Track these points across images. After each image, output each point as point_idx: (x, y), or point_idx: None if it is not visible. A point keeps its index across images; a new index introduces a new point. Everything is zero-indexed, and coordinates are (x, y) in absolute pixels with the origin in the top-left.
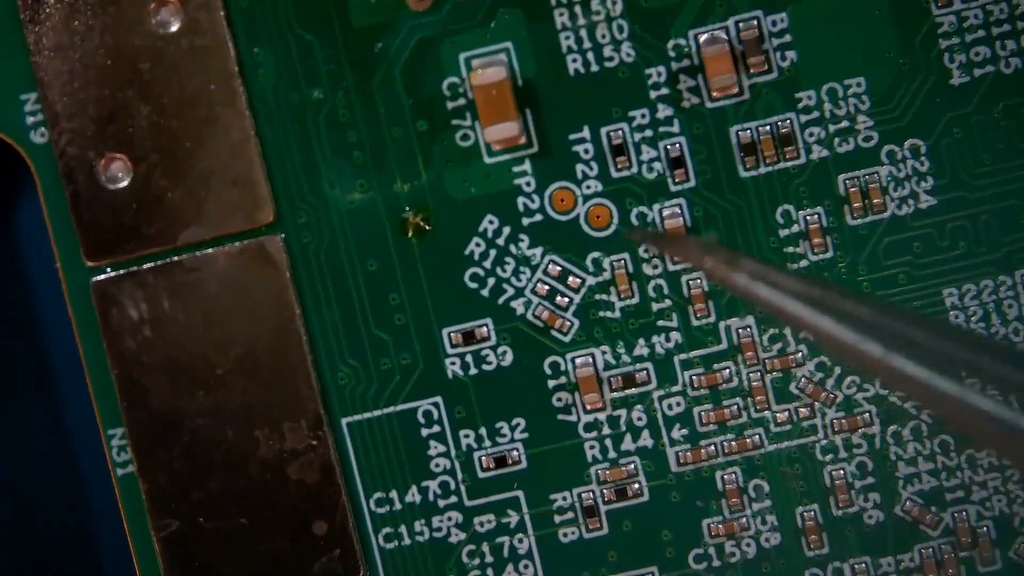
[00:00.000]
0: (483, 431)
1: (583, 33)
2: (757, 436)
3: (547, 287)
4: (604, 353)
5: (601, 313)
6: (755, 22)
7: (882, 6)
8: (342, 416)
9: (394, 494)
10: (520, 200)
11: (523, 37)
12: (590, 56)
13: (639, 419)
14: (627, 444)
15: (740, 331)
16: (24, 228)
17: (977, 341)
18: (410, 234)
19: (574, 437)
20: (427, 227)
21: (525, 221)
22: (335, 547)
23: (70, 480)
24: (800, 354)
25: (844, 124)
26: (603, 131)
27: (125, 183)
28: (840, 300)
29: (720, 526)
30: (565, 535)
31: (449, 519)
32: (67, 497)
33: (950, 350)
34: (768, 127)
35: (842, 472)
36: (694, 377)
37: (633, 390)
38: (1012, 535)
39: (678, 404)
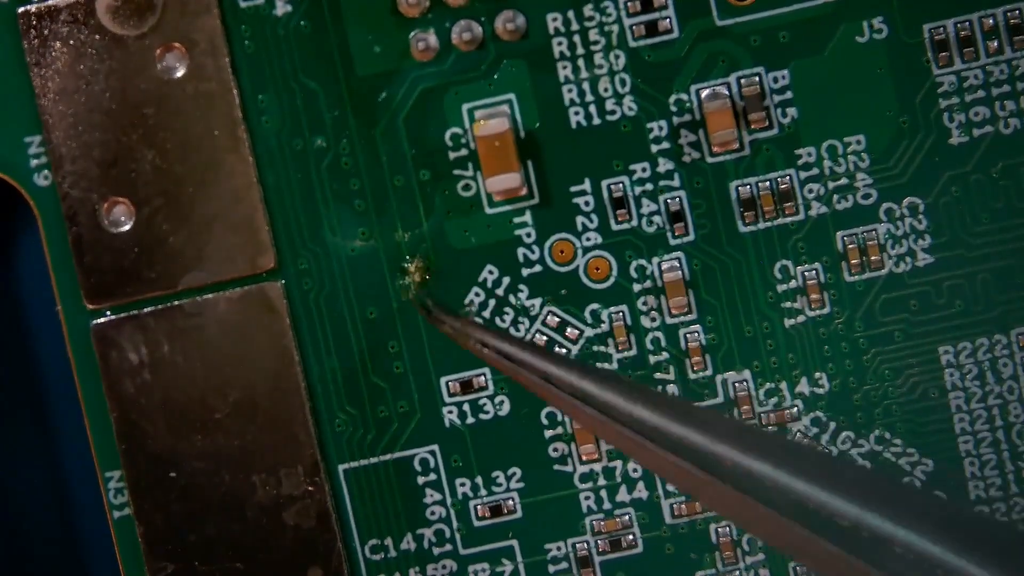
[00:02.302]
0: (479, 480)
1: (586, 86)
2: None
3: (545, 338)
4: None
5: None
6: (757, 78)
7: (883, 65)
8: (339, 463)
9: (389, 541)
10: (520, 251)
11: (526, 89)
12: (592, 109)
13: (634, 471)
14: (622, 495)
15: (736, 384)
16: (25, 270)
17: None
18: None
19: (570, 487)
20: (427, 276)
21: (525, 272)
22: None
23: (66, 522)
24: (795, 409)
25: (843, 181)
26: (604, 184)
27: (127, 227)
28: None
29: None
30: None
31: (444, 567)
32: (63, 539)
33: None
34: (768, 183)
35: None
36: None
37: None
38: None
39: None
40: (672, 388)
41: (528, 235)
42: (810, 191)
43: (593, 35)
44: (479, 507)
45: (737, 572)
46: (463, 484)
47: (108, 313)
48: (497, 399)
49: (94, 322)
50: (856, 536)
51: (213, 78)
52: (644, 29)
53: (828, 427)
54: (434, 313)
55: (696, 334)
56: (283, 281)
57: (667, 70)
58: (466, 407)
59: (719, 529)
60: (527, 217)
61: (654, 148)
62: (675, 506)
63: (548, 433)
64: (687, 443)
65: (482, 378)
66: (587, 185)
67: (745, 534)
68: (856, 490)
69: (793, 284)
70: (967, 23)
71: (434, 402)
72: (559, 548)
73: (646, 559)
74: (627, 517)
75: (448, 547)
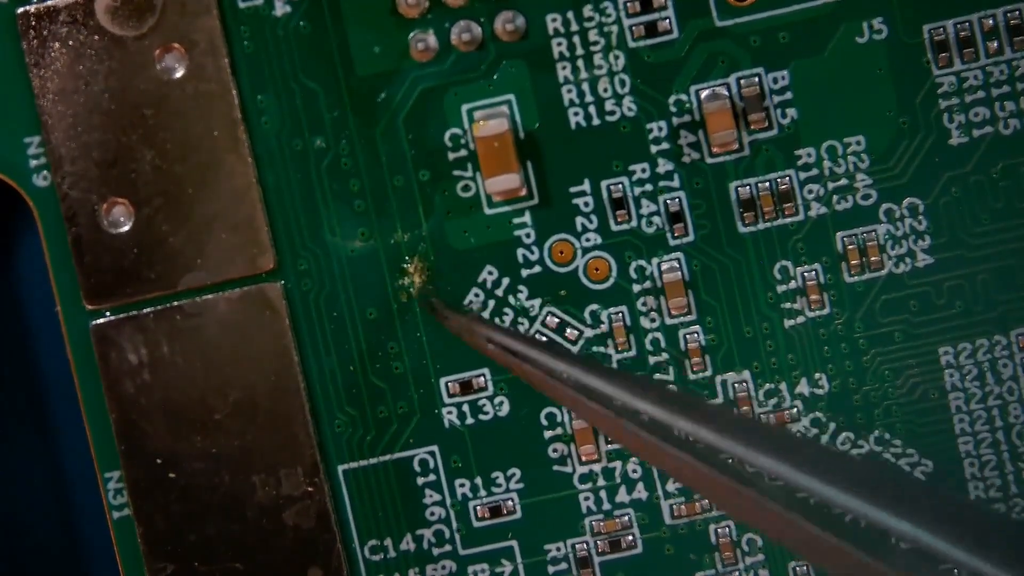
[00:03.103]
0: (479, 481)
1: (585, 87)
2: None
3: (545, 339)
4: None
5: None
6: (756, 79)
7: (883, 65)
8: (338, 463)
9: (388, 542)
10: (520, 251)
11: (526, 89)
12: (592, 110)
13: (634, 471)
14: (622, 496)
15: (736, 385)
16: (25, 271)
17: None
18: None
19: (569, 488)
20: (427, 276)
21: (524, 272)
22: None
23: (66, 523)
24: (795, 409)
25: (843, 182)
26: (603, 184)
27: (127, 227)
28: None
29: None
30: None
31: (443, 568)
32: (63, 540)
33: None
34: (767, 183)
35: None
36: None
37: None
38: None
39: None
40: (672, 388)
41: (527, 236)
42: (810, 192)
43: (593, 36)
44: (479, 508)
45: (736, 573)
46: (463, 485)
47: (108, 314)
48: (496, 400)
49: (93, 322)
50: (861, 530)
51: (212, 79)
52: (644, 30)
53: (828, 428)
54: (439, 310)
55: (696, 335)
56: (283, 282)
57: (667, 71)
58: (465, 408)
59: (719, 530)
60: (526, 218)
61: (654, 149)
62: (675, 507)
63: (548, 434)
64: (692, 438)
65: (481, 379)
66: (587, 186)
67: (744, 534)
68: (861, 484)
69: (793, 285)
70: (967, 24)
71: (434, 403)
72: (559, 549)
73: (646, 560)
74: (627, 518)
75: (448, 548)
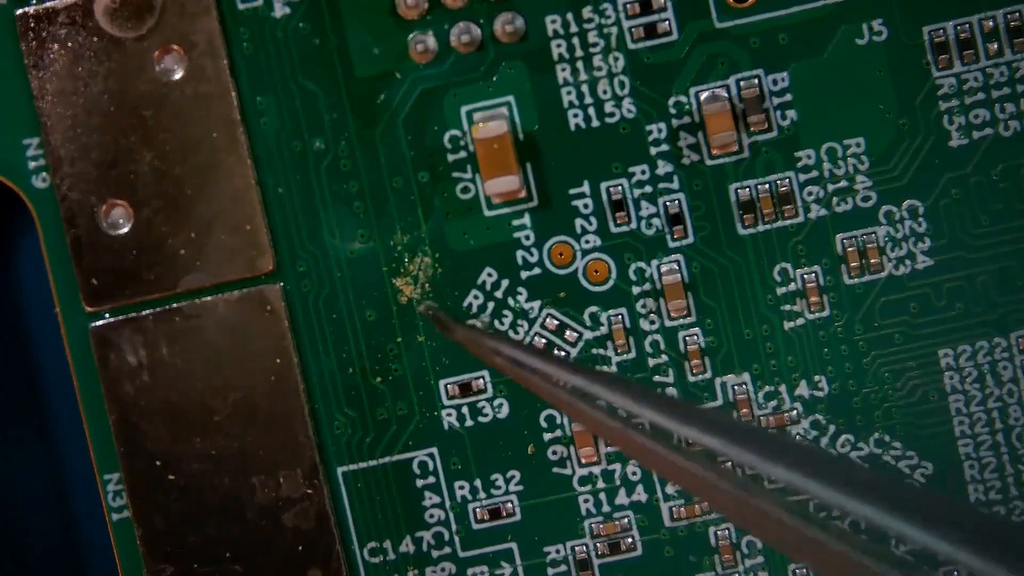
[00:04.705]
0: (478, 483)
1: (585, 88)
2: None
3: (544, 341)
4: None
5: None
6: (756, 81)
7: (882, 67)
8: (338, 465)
9: (388, 544)
10: (519, 253)
11: (525, 91)
12: (591, 111)
13: (633, 473)
14: (621, 498)
15: (736, 387)
16: (24, 272)
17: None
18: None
19: (568, 490)
20: (431, 276)
21: (524, 274)
22: None
23: (65, 524)
24: (795, 411)
25: (843, 184)
26: (603, 186)
27: (126, 229)
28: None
29: None
30: None
31: (443, 570)
32: (62, 542)
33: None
34: (767, 185)
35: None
36: None
37: None
38: None
39: None
40: (671, 391)
41: (527, 237)
42: (809, 193)
43: (592, 37)
44: (478, 510)
45: (736, 575)
46: (462, 487)
47: (107, 315)
48: (496, 402)
49: (93, 324)
50: (860, 534)
51: (212, 80)
52: (643, 31)
53: (828, 430)
54: (443, 321)
55: (695, 337)
56: (282, 283)
57: (666, 72)
58: (465, 410)
59: (718, 532)
60: (526, 219)
61: (653, 150)
62: (674, 509)
63: (547, 436)
64: (693, 444)
65: (481, 381)
66: (586, 187)
67: (744, 536)
68: (868, 492)
69: (792, 287)
70: (967, 25)
71: (433, 405)
72: (558, 551)
73: (645, 562)
74: (626, 520)
75: (447, 550)
